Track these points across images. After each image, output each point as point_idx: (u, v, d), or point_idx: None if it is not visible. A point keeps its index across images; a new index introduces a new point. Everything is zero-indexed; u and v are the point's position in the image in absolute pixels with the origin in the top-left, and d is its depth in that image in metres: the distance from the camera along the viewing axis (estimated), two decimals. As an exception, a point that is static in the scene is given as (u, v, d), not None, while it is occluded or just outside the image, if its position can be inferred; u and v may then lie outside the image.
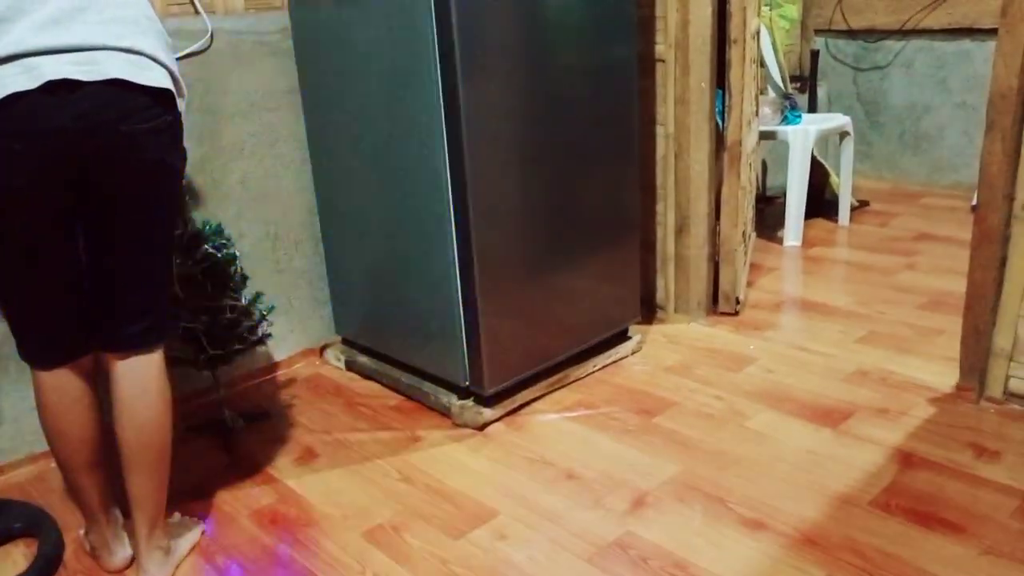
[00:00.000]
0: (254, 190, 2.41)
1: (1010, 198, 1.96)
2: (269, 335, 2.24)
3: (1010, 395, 2.08)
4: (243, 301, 2.15)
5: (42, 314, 1.51)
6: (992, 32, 1.91)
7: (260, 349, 2.38)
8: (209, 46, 2.24)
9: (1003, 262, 2.01)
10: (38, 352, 1.53)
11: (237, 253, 2.13)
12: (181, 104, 1.49)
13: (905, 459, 1.89)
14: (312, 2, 2.21)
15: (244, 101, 2.34)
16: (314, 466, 2.03)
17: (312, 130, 2.39)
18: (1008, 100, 1.90)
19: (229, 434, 2.19)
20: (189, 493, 1.92)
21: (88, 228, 1.48)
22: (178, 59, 1.53)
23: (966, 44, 4.01)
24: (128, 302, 1.53)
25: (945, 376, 2.23)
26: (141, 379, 1.55)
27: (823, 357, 2.44)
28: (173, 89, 1.45)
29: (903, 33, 4.18)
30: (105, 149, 1.37)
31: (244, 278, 2.18)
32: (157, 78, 1.41)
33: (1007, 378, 2.07)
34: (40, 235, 1.42)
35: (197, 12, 2.22)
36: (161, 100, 1.42)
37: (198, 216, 2.25)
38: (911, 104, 4.27)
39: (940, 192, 4.14)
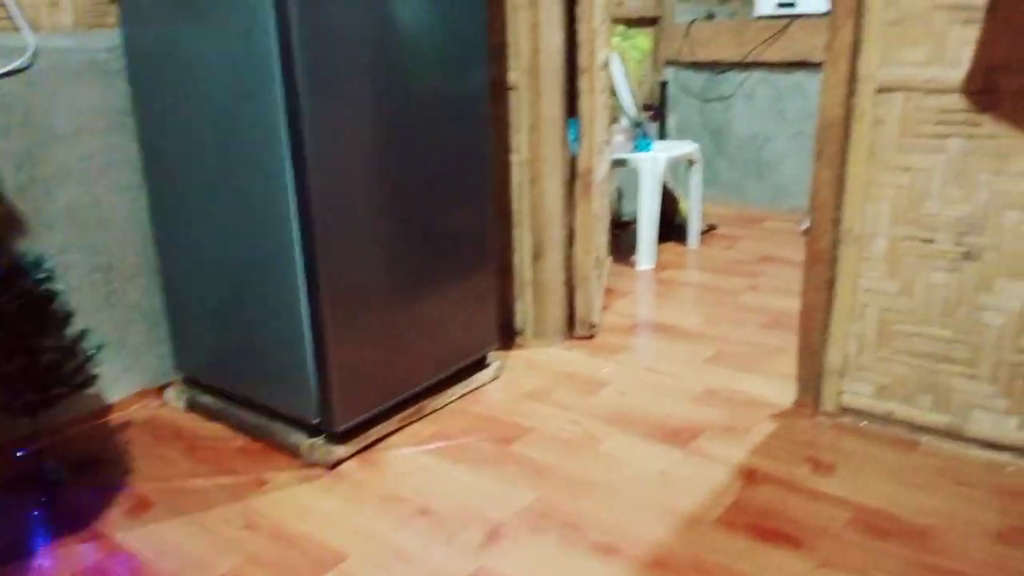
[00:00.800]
0: (83, 219, 2.23)
1: (837, 222, 2.08)
2: (97, 376, 2.07)
3: (843, 409, 2.20)
4: (66, 340, 1.98)
5: None
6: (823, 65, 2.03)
7: (89, 391, 2.19)
8: (31, 64, 2.07)
9: (832, 283, 2.13)
10: None
11: (59, 288, 1.96)
12: None
13: (749, 475, 1.96)
14: (146, 19, 2.09)
15: (71, 123, 2.17)
16: (148, 518, 1.87)
17: (147, 154, 2.25)
18: (834, 129, 2.02)
19: (50, 487, 2.00)
20: (1, 555, 1.73)
21: None
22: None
23: (801, 76, 4.28)
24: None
25: (785, 392, 2.33)
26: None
27: (673, 378, 2.51)
28: None
29: (745, 66, 4.43)
30: None
31: (67, 315, 2.01)
32: None
33: (840, 393, 2.19)
34: None
35: (18, 28, 2.04)
36: None
37: (17, 248, 2.06)
38: (753, 133, 4.52)
39: (780, 216, 4.39)
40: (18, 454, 2.02)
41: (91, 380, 2.08)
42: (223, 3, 1.86)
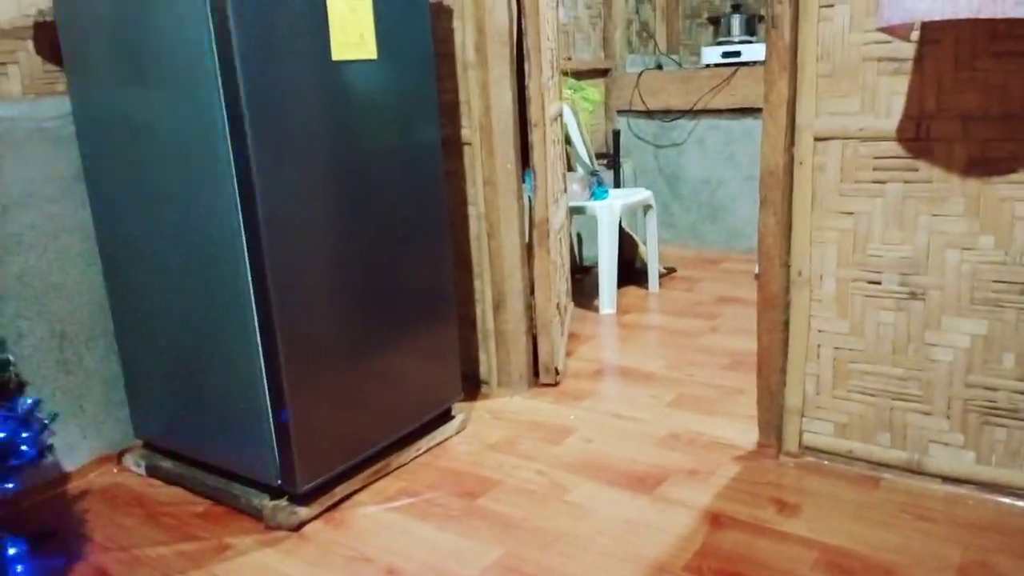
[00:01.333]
0: (35, 286, 2.21)
1: (787, 266, 2.14)
2: (52, 446, 2.02)
3: (805, 449, 2.23)
4: (19, 411, 1.94)
5: None
6: (770, 112, 2.09)
7: (46, 461, 2.14)
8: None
9: (786, 325, 2.17)
10: None
11: (11, 358, 1.93)
12: None
13: (714, 520, 1.97)
14: (94, 86, 2.10)
15: (21, 191, 2.16)
16: (106, 590, 1.83)
17: (99, 219, 2.24)
18: (776, 177, 2.09)
19: (6, 561, 1.94)
20: (-49, 639, 1.67)
21: None
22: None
23: (749, 122, 4.41)
24: None
25: (748, 434, 2.36)
26: None
27: (637, 423, 2.53)
28: None
29: (694, 113, 4.55)
30: None
31: (21, 385, 1.97)
32: None
33: (801, 433, 2.22)
34: None
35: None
36: None
37: (-34, 318, 2.03)
38: (706, 178, 4.63)
39: (737, 257, 4.48)
40: (-30, 531, 1.97)
41: (47, 450, 2.03)
42: (170, 69, 1.88)
